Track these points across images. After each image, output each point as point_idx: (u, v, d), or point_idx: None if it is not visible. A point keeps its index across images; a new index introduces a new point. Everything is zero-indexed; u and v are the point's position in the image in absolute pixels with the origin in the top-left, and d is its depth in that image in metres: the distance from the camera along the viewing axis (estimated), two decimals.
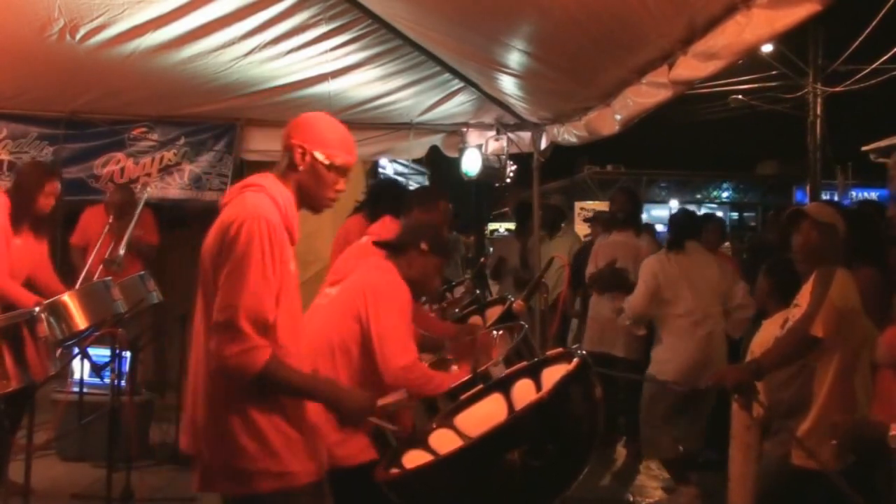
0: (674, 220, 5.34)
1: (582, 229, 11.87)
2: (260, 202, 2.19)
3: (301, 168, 2.28)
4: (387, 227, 3.93)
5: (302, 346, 2.31)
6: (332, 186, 2.32)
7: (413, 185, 9.30)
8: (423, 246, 3.10)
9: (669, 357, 4.76)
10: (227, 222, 2.16)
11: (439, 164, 8.83)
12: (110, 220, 5.39)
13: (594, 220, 7.62)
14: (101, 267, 5.05)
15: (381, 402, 2.40)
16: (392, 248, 3.17)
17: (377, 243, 3.27)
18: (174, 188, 6.29)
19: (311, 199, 2.33)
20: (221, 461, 2.15)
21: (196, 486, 2.23)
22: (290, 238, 2.25)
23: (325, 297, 3.10)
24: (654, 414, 4.79)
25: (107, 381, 4.36)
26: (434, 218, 3.84)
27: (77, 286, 4.38)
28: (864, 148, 12.04)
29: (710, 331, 4.74)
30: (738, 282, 4.89)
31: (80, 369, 4.91)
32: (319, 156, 2.28)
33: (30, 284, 4.50)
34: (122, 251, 4.80)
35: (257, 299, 2.09)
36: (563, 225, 7.19)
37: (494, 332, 3.43)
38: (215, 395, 2.16)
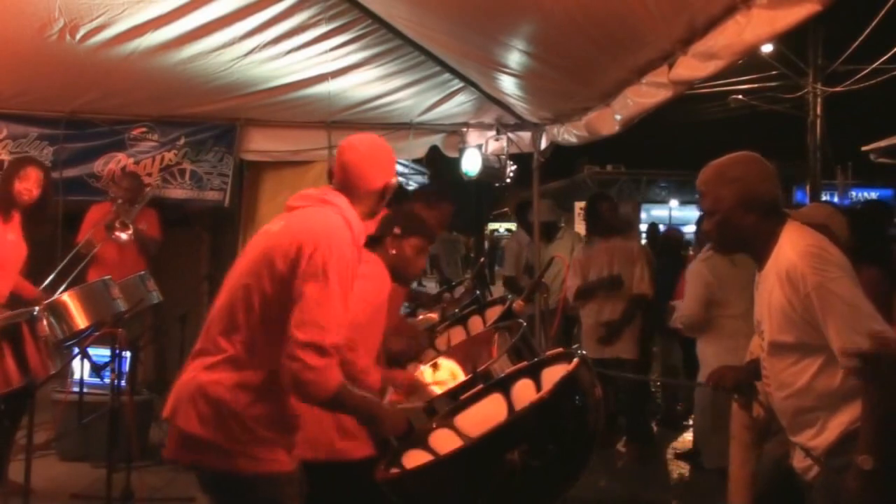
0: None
1: (583, 228, 11.85)
2: (339, 226, 2.30)
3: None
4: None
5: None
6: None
7: (413, 186, 9.29)
8: (396, 230, 3.12)
9: (729, 359, 4.66)
10: (309, 240, 2.22)
11: (439, 164, 8.83)
12: (119, 202, 5.46)
13: None
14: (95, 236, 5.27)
15: (404, 406, 2.46)
16: (370, 241, 3.19)
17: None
18: (175, 188, 6.29)
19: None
20: (215, 438, 2.20)
21: (171, 453, 2.28)
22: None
23: None
24: (718, 423, 4.53)
25: (107, 381, 4.35)
26: (433, 215, 3.85)
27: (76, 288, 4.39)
28: (864, 148, 12.00)
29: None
30: None
31: (80, 369, 4.90)
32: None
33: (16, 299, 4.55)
34: (129, 221, 4.92)
35: (338, 321, 2.17)
36: (560, 226, 7.16)
37: (494, 332, 3.43)
38: (233, 381, 2.21)
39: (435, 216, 3.94)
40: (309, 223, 2.28)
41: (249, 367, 2.22)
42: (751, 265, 4.80)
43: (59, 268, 5.06)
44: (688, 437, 6.15)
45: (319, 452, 2.73)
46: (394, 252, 3.11)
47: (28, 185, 4.52)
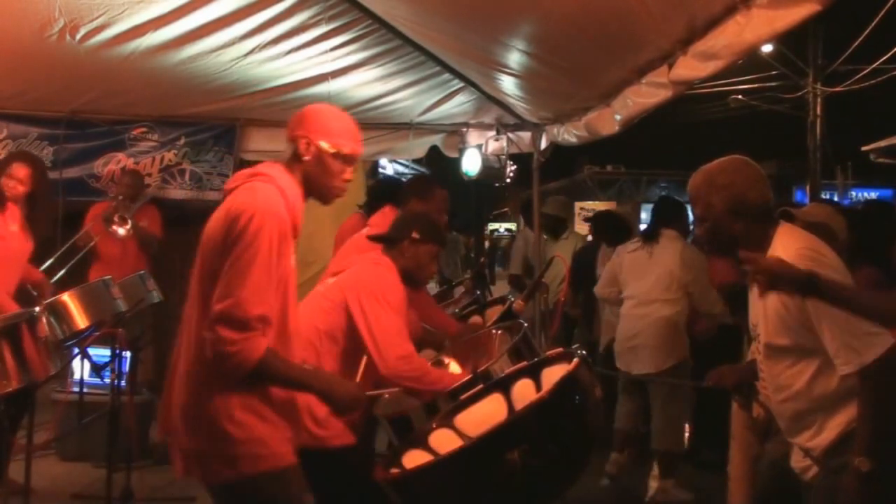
0: (653, 209, 5.44)
1: (582, 228, 11.87)
2: (269, 195, 2.20)
3: (306, 158, 2.29)
4: (387, 217, 3.94)
5: (296, 338, 2.31)
6: (339, 175, 2.32)
7: None
8: (414, 234, 3.13)
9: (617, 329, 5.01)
10: (235, 211, 2.15)
11: (439, 164, 8.83)
12: (119, 198, 5.45)
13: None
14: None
15: (370, 392, 2.50)
16: (385, 241, 3.19)
17: (372, 237, 3.29)
18: (175, 188, 6.30)
19: (318, 188, 2.33)
20: (210, 446, 2.15)
21: (180, 472, 2.23)
22: (294, 231, 2.25)
23: (323, 286, 3.13)
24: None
25: (107, 381, 4.35)
26: (431, 206, 3.86)
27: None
28: (864, 148, 12.01)
29: (648, 313, 4.80)
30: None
31: (80, 369, 4.90)
32: (324, 145, 2.29)
33: (23, 290, 4.53)
34: (128, 216, 4.91)
35: (260, 292, 2.09)
36: (567, 226, 7.14)
37: (494, 331, 3.44)
38: (204, 382, 2.16)
39: (432, 208, 3.92)
40: (238, 198, 2.20)
41: None
42: (664, 260, 4.91)
43: (56, 267, 5.06)
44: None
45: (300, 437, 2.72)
46: (409, 256, 3.12)
47: (11, 182, 4.47)
